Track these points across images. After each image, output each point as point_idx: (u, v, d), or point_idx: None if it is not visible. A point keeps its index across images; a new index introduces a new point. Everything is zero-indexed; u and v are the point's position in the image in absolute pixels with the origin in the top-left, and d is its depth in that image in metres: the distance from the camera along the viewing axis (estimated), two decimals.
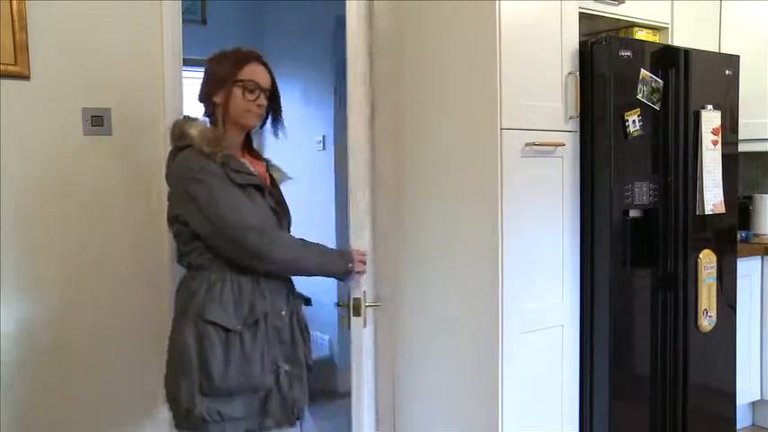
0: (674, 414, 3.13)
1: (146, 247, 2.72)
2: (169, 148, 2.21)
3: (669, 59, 3.05)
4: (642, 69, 2.91)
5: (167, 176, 2.18)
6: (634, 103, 2.89)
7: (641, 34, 3.36)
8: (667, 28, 3.49)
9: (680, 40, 3.44)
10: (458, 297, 2.78)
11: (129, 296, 2.69)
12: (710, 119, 3.17)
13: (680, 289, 3.12)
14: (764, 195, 4.05)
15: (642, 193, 2.96)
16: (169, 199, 2.16)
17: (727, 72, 3.31)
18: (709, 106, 3.18)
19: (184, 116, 2.29)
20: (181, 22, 2.82)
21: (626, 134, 2.85)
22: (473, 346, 2.71)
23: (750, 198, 4.06)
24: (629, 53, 2.87)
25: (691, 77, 3.11)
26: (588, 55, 2.84)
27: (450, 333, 2.81)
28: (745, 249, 3.70)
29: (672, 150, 3.07)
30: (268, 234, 2.08)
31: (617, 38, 3.05)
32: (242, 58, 2.17)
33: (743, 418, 3.78)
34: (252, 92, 2.14)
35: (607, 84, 2.81)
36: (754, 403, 3.81)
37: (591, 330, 2.89)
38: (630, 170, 2.91)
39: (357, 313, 2.41)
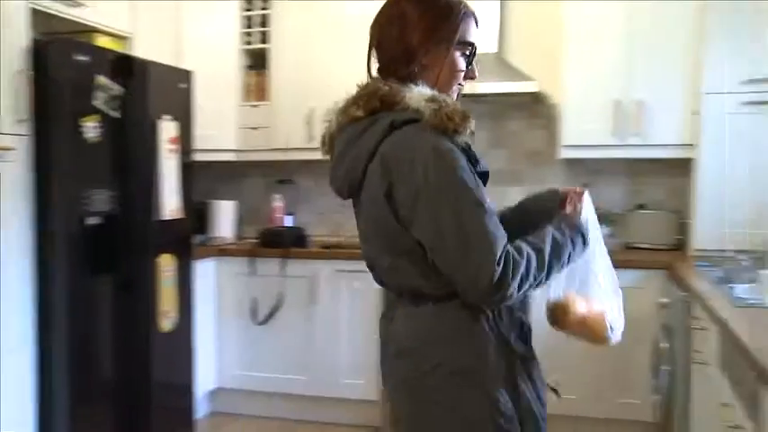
0: (137, 412, 3.21)
1: None
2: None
3: (128, 68, 3.11)
4: (99, 75, 2.90)
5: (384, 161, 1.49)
6: (91, 108, 2.87)
7: (103, 40, 3.34)
8: (130, 37, 3.54)
9: (142, 50, 3.52)
10: None
11: None
12: (168, 129, 3.34)
13: (140, 293, 3.21)
14: (219, 201, 4.44)
15: (102, 199, 2.97)
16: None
17: (182, 85, 3.52)
18: (167, 116, 3.35)
19: (375, 77, 1.60)
20: None
21: (83, 140, 2.81)
22: None
23: (206, 204, 4.39)
24: (86, 58, 2.84)
25: (149, 88, 3.22)
26: (42, 55, 2.72)
27: None
28: (203, 252, 3.98)
29: (131, 158, 3.14)
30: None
31: (72, 41, 2.98)
32: (463, 8, 1.59)
33: (203, 407, 4.08)
34: (471, 61, 1.61)
35: (62, 87, 2.74)
36: (212, 392, 4.13)
37: (49, 341, 2.79)
38: (89, 177, 2.89)
39: None
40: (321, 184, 4.62)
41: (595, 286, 1.65)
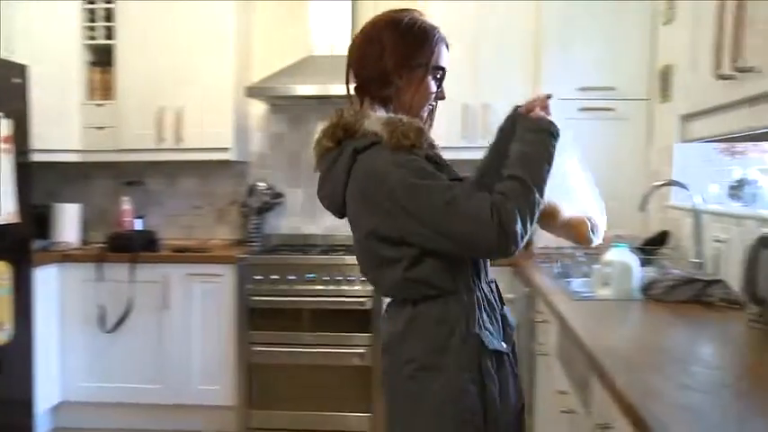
0: None
1: None
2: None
3: None
4: None
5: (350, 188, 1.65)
6: None
7: None
8: None
9: None
10: None
11: None
12: (0, 127, 3.12)
13: None
14: (62, 204, 4.20)
15: None
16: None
17: (16, 80, 3.30)
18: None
19: (338, 110, 1.71)
20: None
21: None
22: None
23: (48, 207, 4.15)
24: None
25: None
26: None
27: None
28: (44, 258, 3.75)
29: None
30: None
31: None
32: (436, 35, 1.71)
33: (45, 423, 3.85)
34: (440, 84, 1.72)
35: None
36: (55, 406, 3.91)
37: None
38: None
39: None
40: (171, 185, 4.50)
41: (576, 196, 1.80)
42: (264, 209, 4.34)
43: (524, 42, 3.84)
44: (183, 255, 3.91)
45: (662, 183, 3.05)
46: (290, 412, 3.78)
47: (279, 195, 4.41)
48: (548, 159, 1.59)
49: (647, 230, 3.53)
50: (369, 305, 3.72)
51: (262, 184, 4.34)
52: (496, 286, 1.78)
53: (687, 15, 1.95)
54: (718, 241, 2.75)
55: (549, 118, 1.64)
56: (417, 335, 1.65)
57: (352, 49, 1.73)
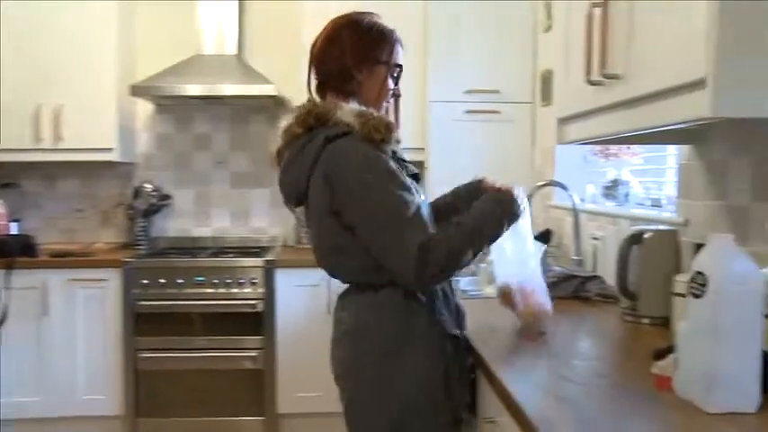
0: None
1: None
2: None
3: None
4: None
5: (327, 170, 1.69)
6: None
7: None
8: None
9: None
10: None
11: None
12: None
13: None
14: None
15: None
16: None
17: None
18: None
19: (310, 98, 1.82)
20: None
21: None
22: None
23: None
24: None
25: None
26: None
27: None
28: None
29: None
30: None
31: None
32: (393, 36, 1.86)
33: None
34: (397, 81, 1.88)
35: None
36: None
37: None
38: None
39: None
40: (50, 187, 4.30)
41: (534, 282, 1.97)
42: (151, 211, 4.22)
43: (411, 44, 3.88)
44: (64, 260, 3.74)
45: (543, 183, 3.17)
46: (181, 419, 3.69)
47: (166, 197, 4.30)
48: (496, 232, 1.73)
49: (533, 229, 3.66)
50: (260, 308, 3.68)
51: (148, 186, 4.22)
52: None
53: (561, 24, 2.04)
54: (595, 239, 2.89)
55: (516, 198, 1.76)
56: (383, 321, 1.73)
57: (313, 47, 1.85)
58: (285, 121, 1.81)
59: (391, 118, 1.82)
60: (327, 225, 1.73)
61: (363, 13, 1.86)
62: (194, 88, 3.85)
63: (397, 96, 1.89)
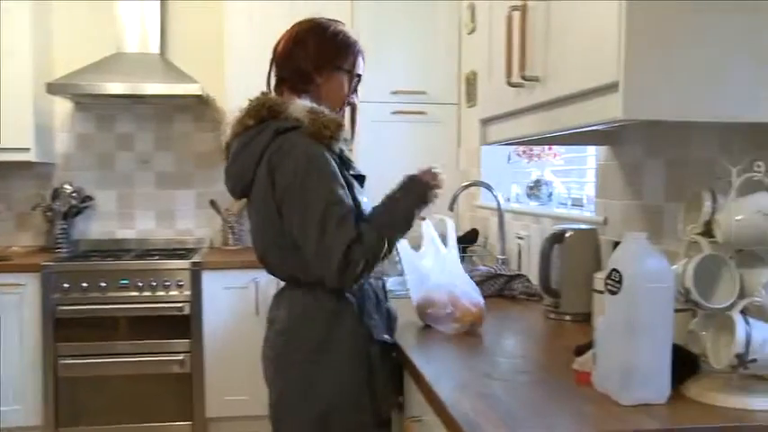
0: None
1: None
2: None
3: None
4: None
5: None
6: None
7: None
8: None
9: None
10: None
11: None
12: None
13: None
14: None
15: None
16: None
17: None
18: None
19: (264, 92, 1.86)
20: None
21: None
22: None
23: None
24: None
25: None
26: None
27: None
28: None
29: None
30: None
31: None
32: (357, 47, 1.91)
33: None
34: (356, 90, 1.92)
35: None
36: None
37: None
38: None
39: None
40: None
41: (462, 285, 2.01)
42: (72, 213, 4.09)
43: None
44: None
45: (468, 183, 3.22)
46: (104, 427, 3.60)
47: (88, 198, 4.17)
48: (408, 222, 1.77)
49: (459, 229, 3.71)
50: (187, 310, 3.62)
51: (68, 187, 4.08)
52: (383, 282, 1.93)
53: (484, 26, 2.07)
54: (520, 238, 2.95)
55: (429, 184, 1.80)
56: (313, 321, 1.76)
57: (277, 47, 1.89)
58: (234, 114, 1.83)
59: (348, 127, 1.87)
60: (267, 219, 1.75)
61: (330, 19, 1.91)
62: (116, 87, 3.74)
63: (353, 106, 1.94)
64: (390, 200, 1.78)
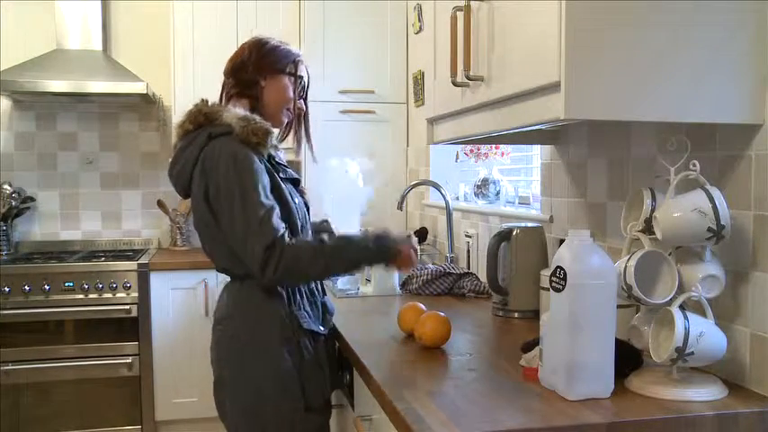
0: None
1: None
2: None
3: None
4: None
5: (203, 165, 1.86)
6: None
7: None
8: None
9: None
10: None
11: None
12: None
13: None
14: None
15: None
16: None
17: None
18: None
19: (204, 99, 1.98)
20: None
21: None
22: None
23: None
24: None
25: None
26: None
27: None
28: None
29: None
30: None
31: None
32: (299, 56, 2.08)
33: None
34: (303, 96, 2.09)
35: None
36: None
37: None
38: None
39: None
40: None
41: None
42: (12, 214, 3.97)
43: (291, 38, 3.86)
44: None
45: (416, 182, 3.23)
46: None
47: (29, 199, 4.07)
48: (356, 268, 1.93)
49: (409, 227, 3.74)
50: (135, 312, 3.56)
51: (8, 188, 3.97)
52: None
53: (430, 26, 2.08)
54: (468, 236, 2.98)
55: (402, 260, 1.91)
56: (244, 311, 1.89)
57: (228, 63, 2.04)
58: (178, 119, 1.97)
59: (302, 133, 2.12)
60: (203, 216, 1.87)
61: (271, 37, 2.08)
62: (58, 84, 3.65)
63: (301, 111, 2.09)
64: (362, 240, 1.89)
